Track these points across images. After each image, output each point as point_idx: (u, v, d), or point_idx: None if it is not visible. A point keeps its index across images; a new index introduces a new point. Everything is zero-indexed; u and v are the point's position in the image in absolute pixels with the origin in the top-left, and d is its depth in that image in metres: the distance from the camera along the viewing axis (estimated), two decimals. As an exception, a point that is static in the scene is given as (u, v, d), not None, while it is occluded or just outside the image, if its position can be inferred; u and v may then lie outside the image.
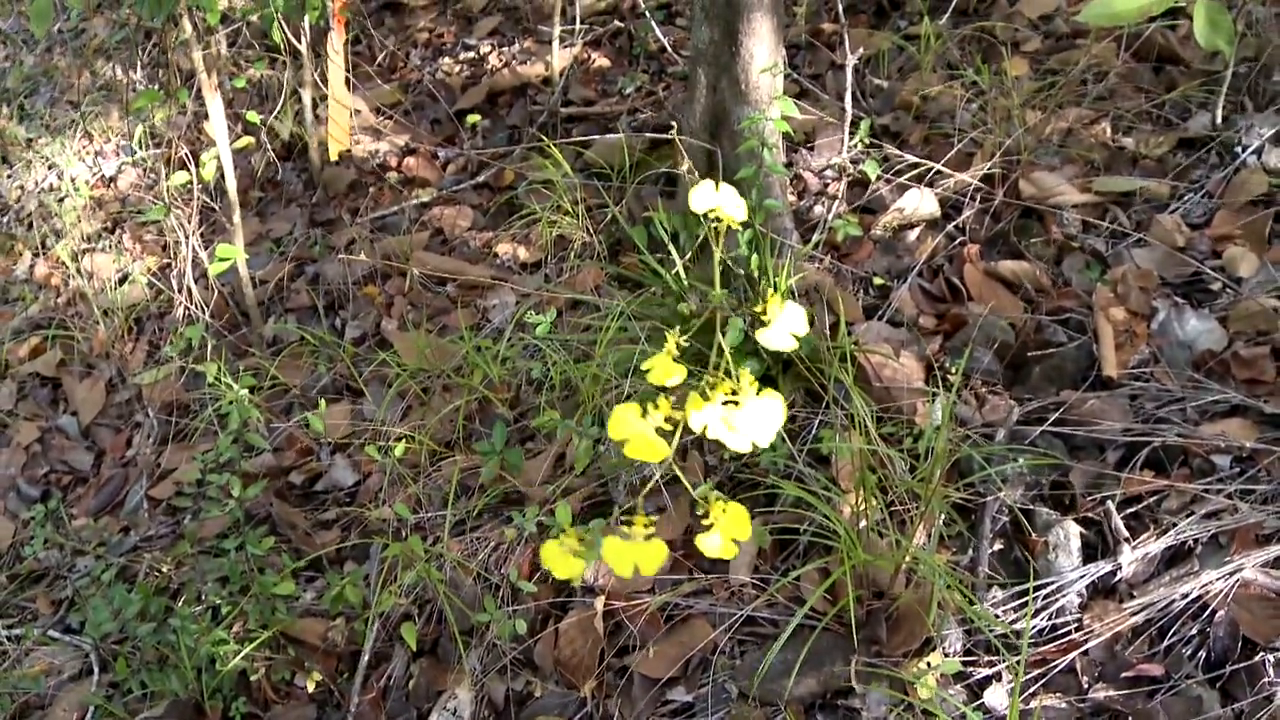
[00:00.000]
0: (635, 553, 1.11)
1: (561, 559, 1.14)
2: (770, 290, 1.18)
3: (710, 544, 1.12)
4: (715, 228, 1.16)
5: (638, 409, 1.10)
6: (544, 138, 3.04)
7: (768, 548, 2.01)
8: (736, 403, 1.09)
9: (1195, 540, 1.82)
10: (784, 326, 1.16)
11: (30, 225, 3.59)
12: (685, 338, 1.14)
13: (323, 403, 2.30)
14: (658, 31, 3.39)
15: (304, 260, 3.16)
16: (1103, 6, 2.17)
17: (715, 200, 1.16)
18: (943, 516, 1.92)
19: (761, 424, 1.09)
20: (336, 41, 3.25)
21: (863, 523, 1.89)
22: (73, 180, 3.65)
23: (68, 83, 4.10)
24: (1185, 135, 2.56)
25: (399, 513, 2.15)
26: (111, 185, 3.69)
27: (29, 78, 4.24)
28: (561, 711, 1.94)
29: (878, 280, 2.45)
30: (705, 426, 1.09)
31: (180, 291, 2.99)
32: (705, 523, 1.13)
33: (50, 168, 3.75)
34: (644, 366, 1.10)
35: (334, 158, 3.38)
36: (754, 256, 2.24)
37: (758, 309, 1.15)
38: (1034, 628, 1.79)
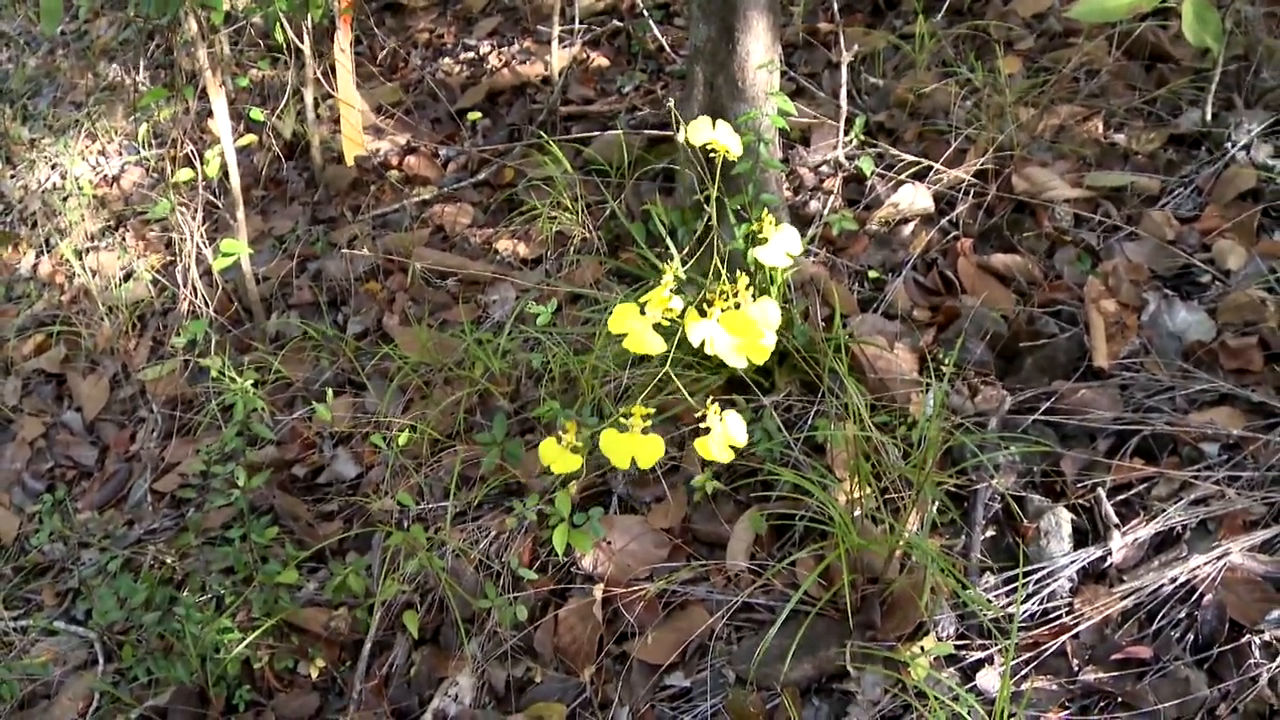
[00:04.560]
0: (633, 445, 1.13)
1: (559, 455, 1.16)
2: (764, 212, 1.22)
3: (711, 446, 1.14)
4: (713, 158, 1.20)
5: (636, 307, 1.12)
6: (544, 135, 3.07)
7: (764, 535, 2.04)
8: (738, 305, 1.11)
9: (1184, 526, 1.85)
10: (780, 245, 1.20)
11: (34, 224, 3.62)
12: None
13: (330, 393, 2.33)
14: (656, 31, 3.43)
15: (306, 257, 3.20)
16: (1093, 3, 2.20)
17: (712, 135, 1.19)
18: (936, 503, 1.95)
19: (757, 336, 1.11)
20: (343, 41, 3.28)
21: (857, 510, 1.93)
22: (76, 179, 3.68)
23: (71, 83, 4.14)
24: (1176, 131, 2.59)
25: (402, 501, 2.19)
26: (115, 184, 3.72)
27: (32, 78, 4.28)
28: (561, 697, 1.97)
29: (873, 273, 2.48)
30: (704, 341, 1.11)
31: (184, 288, 3.02)
32: (704, 426, 1.15)
33: (53, 167, 3.79)
34: (642, 300, 1.12)
35: (350, 162, 3.41)
36: (750, 250, 2.27)
37: (754, 228, 1.18)
38: (1025, 612, 1.82)
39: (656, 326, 1.13)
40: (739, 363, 1.12)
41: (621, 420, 1.15)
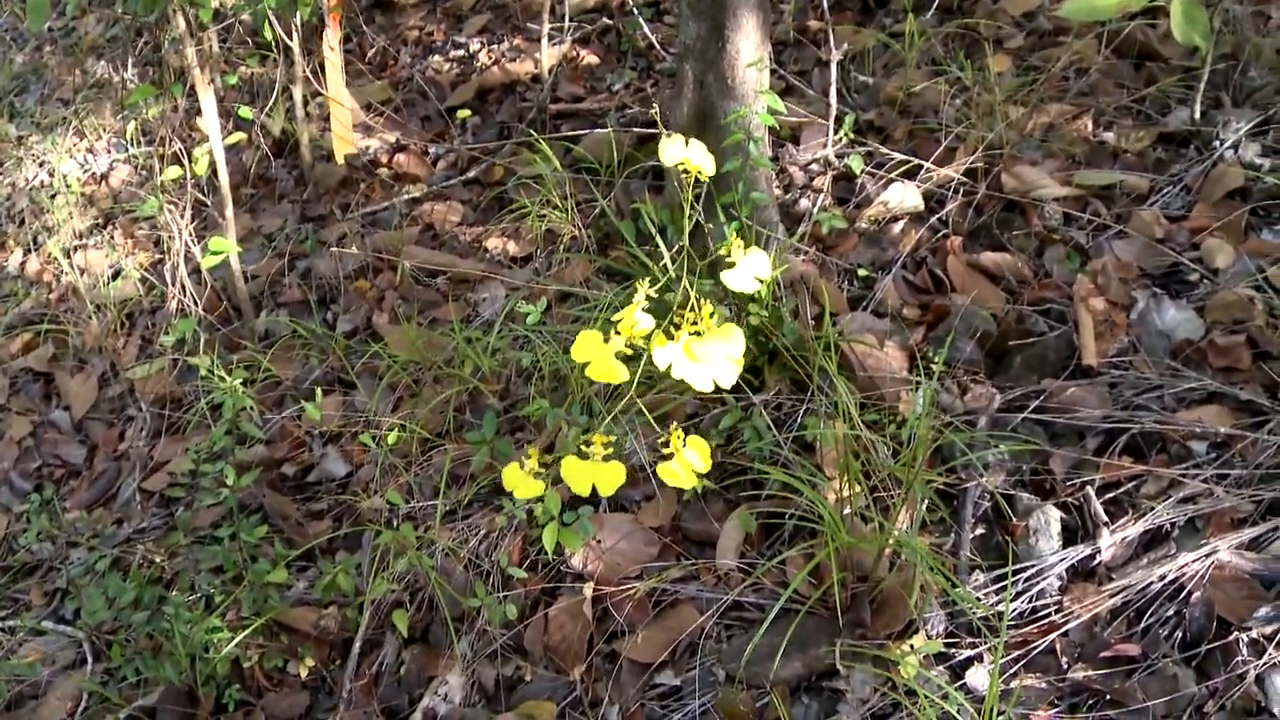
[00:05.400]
0: (594, 473, 1.13)
1: (522, 481, 1.16)
2: (733, 234, 1.22)
3: (671, 471, 1.14)
4: (684, 177, 1.19)
5: (600, 335, 1.12)
6: (533, 133, 3.06)
7: (754, 533, 2.04)
8: (700, 333, 1.11)
9: (1172, 524, 1.86)
10: (748, 269, 1.19)
11: (21, 222, 3.60)
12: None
13: (319, 391, 2.32)
14: (646, 29, 3.43)
15: (296, 255, 3.19)
16: (1083, 2, 2.21)
17: (684, 153, 1.19)
18: (925, 501, 1.95)
19: (723, 359, 1.11)
20: (332, 39, 3.27)
21: (847, 508, 1.93)
22: (64, 177, 3.67)
23: (58, 81, 4.12)
24: (1165, 130, 2.60)
25: (391, 500, 2.18)
26: (103, 182, 3.71)
27: (18, 76, 4.26)
28: (551, 696, 1.97)
29: (862, 272, 2.48)
30: (670, 365, 1.11)
31: (173, 286, 3.01)
32: (666, 451, 1.15)
33: (41, 165, 3.77)
34: (614, 319, 1.12)
35: (339, 161, 3.40)
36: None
37: (722, 251, 1.18)
38: (1015, 610, 1.83)
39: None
40: (705, 387, 1.12)
41: (583, 448, 1.15)
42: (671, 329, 1.13)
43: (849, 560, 1.91)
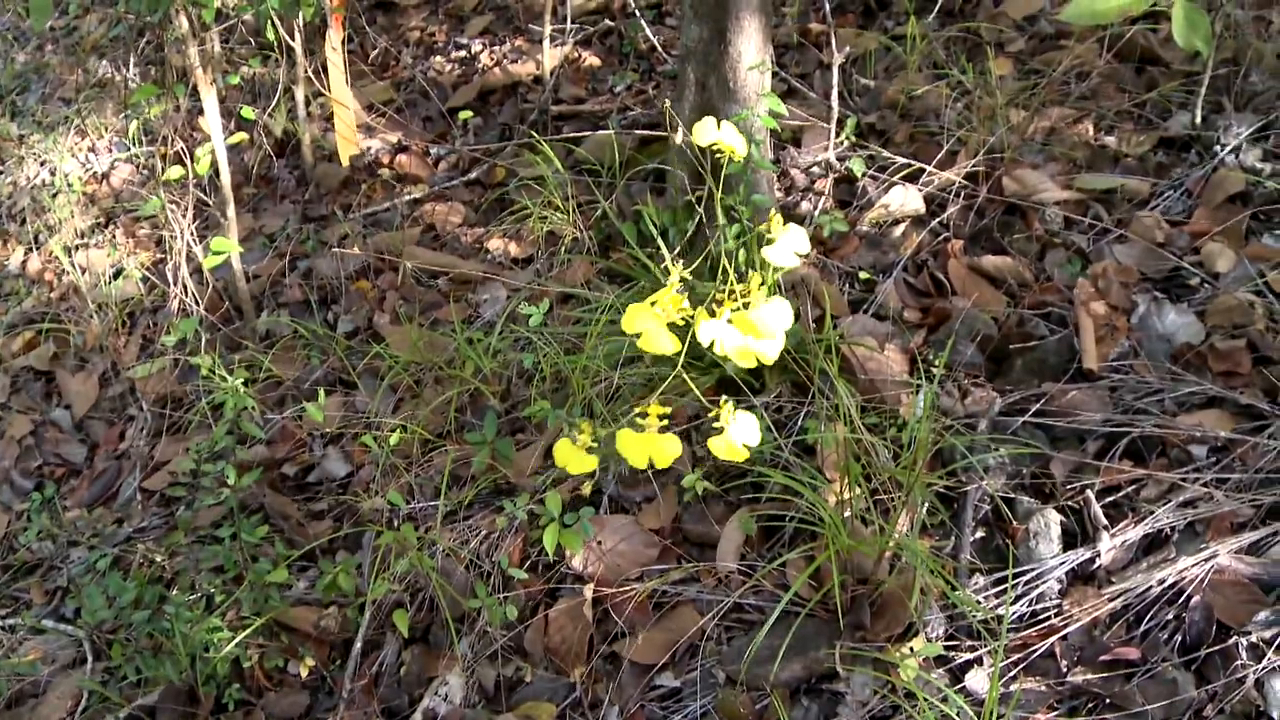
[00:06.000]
0: (649, 444, 1.12)
1: (574, 456, 1.15)
2: (773, 212, 1.22)
3: (721, 445, 1.13)
4: (716, 158, 1.19)
5: (649, 306, 1.11)
6: (535, 135, 3.07)
7: (754, 535, 2.04)
8: (747, 305, 1.10)
9: (1172, 528, 1.86)
10: (788, 245, 1.19)
11: (23, 221, 3.60)
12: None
13: (321, 393, 2.33)
14: (647, 31, 3.43)
15: (297, 255, 3.19)
16: (1084, 6, 2.21)
17: (717, 135, 1.18)
18: (925, 504, 1.96)
19: (771, 332, 1.10)
20: (335, 39, 3.27)
21: (847, 511, 1.93)
22: (65, 176, 3.67)
23: (60, 80, 4.12)
24: (1165, 134, 2.60)
25: (392, 500, 2.18)
26: (104, 181, 3.71)
27: (20, 74, 4.26)
28: (551, 697, 1.97)
29: (863, 275, 2.49)
30: (713, 342, 1.10)
31: (174, 285, 3.01)
32: (716, 425, 1.14)
33: (43, 164, 3.77)
34: (649, 300, 1.11)
35: (345, 162, 3.40)
36: (742, 250, 2.28)
37: (762, 228, 1.17)
38: (1014, 613, 1.83)
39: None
40: (748, 363, 1.11)
41: (637, 420, 1.14)
42: (714, 306, 1.12)
43: (849, 563, 1.91)
